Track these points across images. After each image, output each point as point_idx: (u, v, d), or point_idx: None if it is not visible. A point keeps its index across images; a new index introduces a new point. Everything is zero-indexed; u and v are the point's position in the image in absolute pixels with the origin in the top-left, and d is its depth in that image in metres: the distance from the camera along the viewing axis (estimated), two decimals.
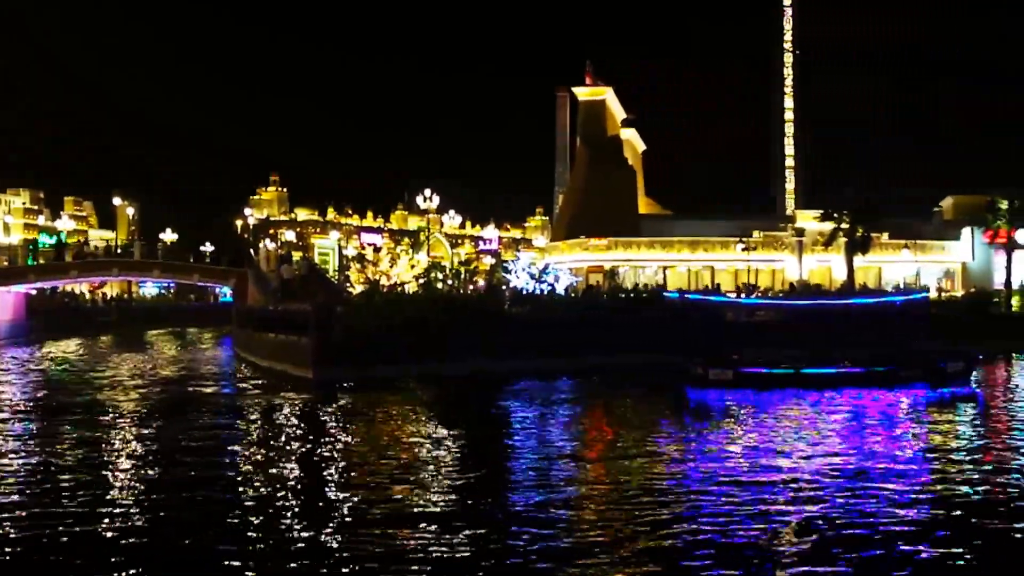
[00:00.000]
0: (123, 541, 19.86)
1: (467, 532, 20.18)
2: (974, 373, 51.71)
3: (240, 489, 24.79)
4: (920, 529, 20.46)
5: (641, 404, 42.71)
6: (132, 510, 22.46)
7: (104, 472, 26.81)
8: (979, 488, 24.75)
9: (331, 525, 21.02)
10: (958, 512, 21.95)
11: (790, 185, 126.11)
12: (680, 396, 46.00)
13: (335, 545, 19.44)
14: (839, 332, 58.96)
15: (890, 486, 24.55)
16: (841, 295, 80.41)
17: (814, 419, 37.38)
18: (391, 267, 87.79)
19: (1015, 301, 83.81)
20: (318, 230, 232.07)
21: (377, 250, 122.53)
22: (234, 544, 19.50)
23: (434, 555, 18.59)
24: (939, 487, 24.78)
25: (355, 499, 23.55)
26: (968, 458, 29.09)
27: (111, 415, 39.39)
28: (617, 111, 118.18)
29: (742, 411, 40.00)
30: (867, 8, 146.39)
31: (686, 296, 67.67)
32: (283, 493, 24.56)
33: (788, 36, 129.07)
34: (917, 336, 58.91)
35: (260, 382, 53.36)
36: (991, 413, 40.70)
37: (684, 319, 63.16)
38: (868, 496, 23.41)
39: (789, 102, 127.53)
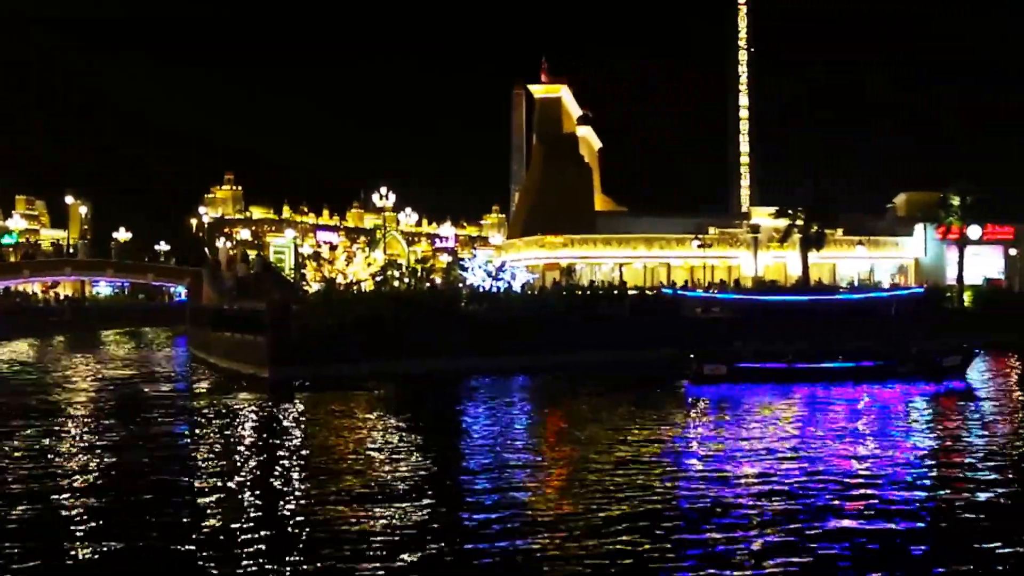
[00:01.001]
0: (76, 542, 19.56)
1: (425, 529, 20.18)
2: (972, 368, 51.74)
3: (196, 490, 24.49)
4: (906, 525, 20.40)
5: (605, 400, 42.55)
6: (85, 511, 22.10)
7: (55, 475, 26.32)
8: (968, 483, 24.85)
9: (288, 524, 20.91)
10: (947, 507, 22.06)
11: (745, 182, 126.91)
12: (665, 390, 46.33)
13: (292, 543, 19.33)
14: (824, 328, 59.17)
15: (873, 479, 24.72)
16: (832, 291, 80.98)
17: (802, 414, 37.94)
18: (347, 265, 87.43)
19: (967, 296, 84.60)
20: (273, 228, 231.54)
21: (333, 248, 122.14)
22: (189, 545, 19.28)
23: (392, 552, 18.52)
24: (927, 481, 24.94)
25: (313, 497, 23.40)
26: (958, 453, 29.21)
27: (63, 417, 38.89)
28: (573, 108, 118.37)
29: (734, 405, 40.46)
30: (821, 7, 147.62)
31: (677, 292, 67.56)
32: (239, 492, 24.28)
33: (743, 34, 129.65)
34: (914, 332, 59.21)
35: (215, 381, 53.08)
36: (986, 407, 40.68)
37: (644, 316, 63.48)
38: (855, 489, 23.51)
39: (744, 99, 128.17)
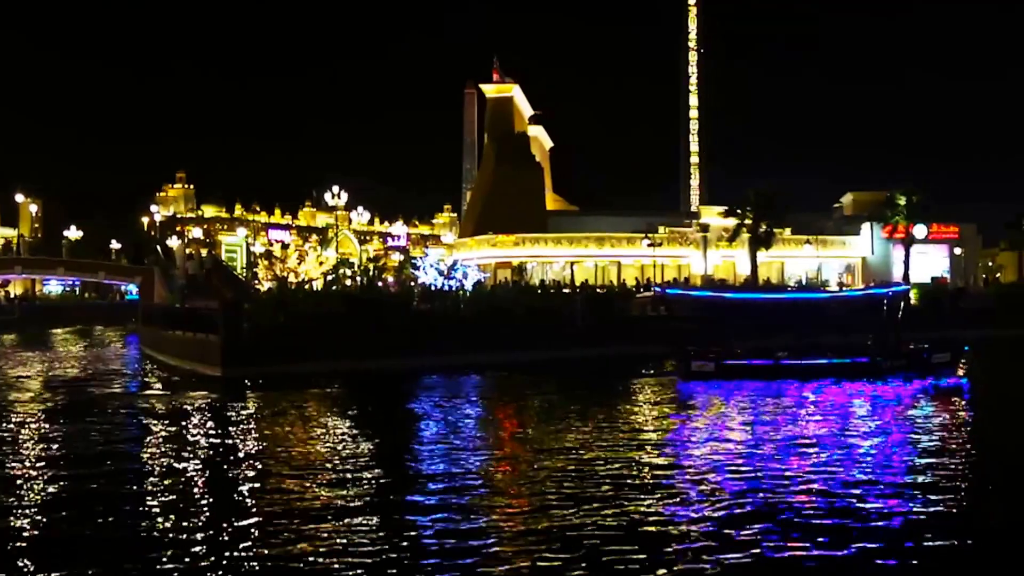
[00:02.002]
0: (22, 542, 19.51)
1: (378, 528, 20.28)
2: (961, 364, 51.95)
3: (147, 490, 24.40)
4: (885, 521, 20.38)
5: (558, 397, 43.07)
6: (33, 511, 22.11)
7: (2, 476, 26.09)
8: (950, 478, 25.00)
9: (239, 522, 20.89)
10: (927, 502, 22.21)
11: (695, 182, 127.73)
12: (613, 386, 46.73)
13: (242, 542, 19.34)
14: (802, 325, 59.65)
15: (853, 473, 25.06)
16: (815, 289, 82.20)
17: (784, 410, 38.04)
18: (299, 264, 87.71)
19: (913, 294, 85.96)
20: (225, 227, 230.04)
21: (285, 247, 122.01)
22: (140, 546, 19.16)
23: (343, 550, 18.63)
24: (908, 478, 24.89)
25: (265, 497, 23.40)
26: (942, 449, 29.31)
27: (11, 416, 38.54)
28: (524, 108, 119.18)
29: (716, 401, 40.89)
30: (769, 9, 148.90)
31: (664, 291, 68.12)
32: (189, 492, 24.28)
33: (692, 35, 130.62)
34: (901, 328, 59.72)
35: (167, 380, 52.83)
36: (975, 404, 41.19)
37: (599, 315, 64.15)
38: (835, 484, 23.73)
39: (694, 100, 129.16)
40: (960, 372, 50.81)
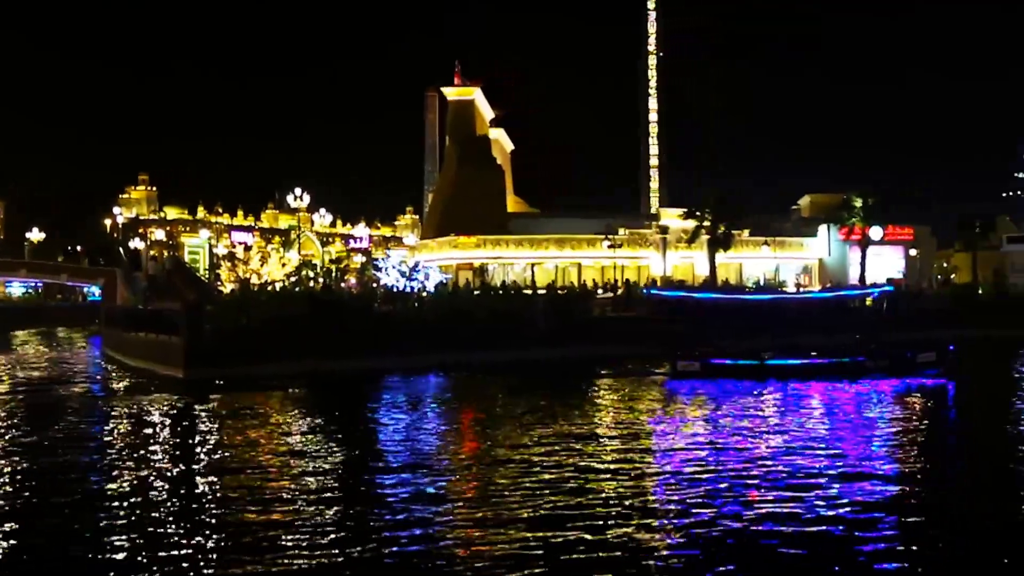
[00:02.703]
0: None
1: (342, 528, 20.51)
2: (947, 364, 51.35)
3: (110, 492, 24.36)
4: (852, 525, 20.31)
5: (520, 398, 43.36)
6: None
7: None
8: (927, 476, 25.57)
9: (202, 524, 21.05)
10: (901, 500, 22.63)
11: (655, 184, 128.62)
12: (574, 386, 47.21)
13: (205, 543, 19.45)
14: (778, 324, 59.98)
15: (827, 472, 25.42)
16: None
17: (761, 408, 38.72)
18: (262, 265, 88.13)
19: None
20: (188, 229, 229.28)
21: (248, 249, 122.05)
22: (104, 550, 19.11)
23: (306, 551, 18.83)
24: (883, 477, 25.13)
25: (227, 497, 23.56)
26: (923, 449, 29.78)
27: None
28: (486, 111, 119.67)
29: (697, 401, 41.49)
30: (731, 11, 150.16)
31: (651, 292, 68.24)
32: (152, 494, 24.23)
33: (652, 38, 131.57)
34: (886, 328, 59.77)
35: (130, 382, 52.92)
36: (960, 404, 41.49)
37: (561, 316, 64.78)
38: (804, 487, 23.76)
39: (654, 103, 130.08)
40: (946, 372, 50.38)
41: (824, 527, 20.10)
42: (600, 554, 18.37)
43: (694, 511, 21.48)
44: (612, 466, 26.85)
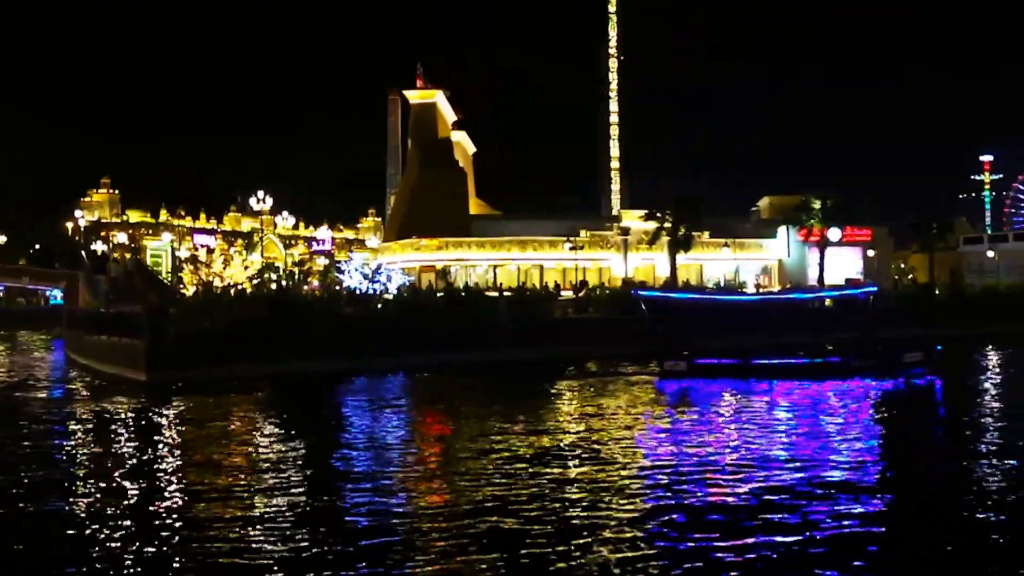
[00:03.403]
0: None
1: (305, 529, 20.62)
2: (934, 363, 51.69)
3: (71, 496, 24.40)
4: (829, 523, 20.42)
5: (482, 399, 44.23)
6: None
7: None
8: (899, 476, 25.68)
9: (166, 526, 21.14)
10: (882, 500, 22.74)
11: (616, 186, 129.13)
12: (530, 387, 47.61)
13: (170, 545, 19.59)
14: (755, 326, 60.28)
15: (796, 474, 25.21)
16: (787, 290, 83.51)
17: (742, 409, 38.74)
18: (224, 268, 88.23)
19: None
20: (151, 232, 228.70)
21: (210, 251, 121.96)
22: (65, 554, 19.10)
23: (273, 553, 18.96)
24: (855, 477, 25.03)
25: (191, 501, 23.65)
26: (903, 449, 30.01)
27: None
28: (448, 113, 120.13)
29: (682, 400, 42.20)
30: (692, 16, 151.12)
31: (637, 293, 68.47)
32: (115, 498, 24.11)
33: (613, 41, 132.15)
34: (875, 327, 60.24)
35: (93, 386, 52.70)
36: (946, 404, 41.38)
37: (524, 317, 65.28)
38: (775, 484, 24.01)
39: (615, 105, 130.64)
40: (933, 370, 50.70)
41: (813, 525, 20.38)
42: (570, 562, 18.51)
43: (680, 510, 21.84)
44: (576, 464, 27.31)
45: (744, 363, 50.04)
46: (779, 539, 19.25)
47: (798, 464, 26.45)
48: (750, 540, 19.23)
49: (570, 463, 27.47)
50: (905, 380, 47.55)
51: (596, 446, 30.24)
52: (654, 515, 21.25)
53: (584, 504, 22.45)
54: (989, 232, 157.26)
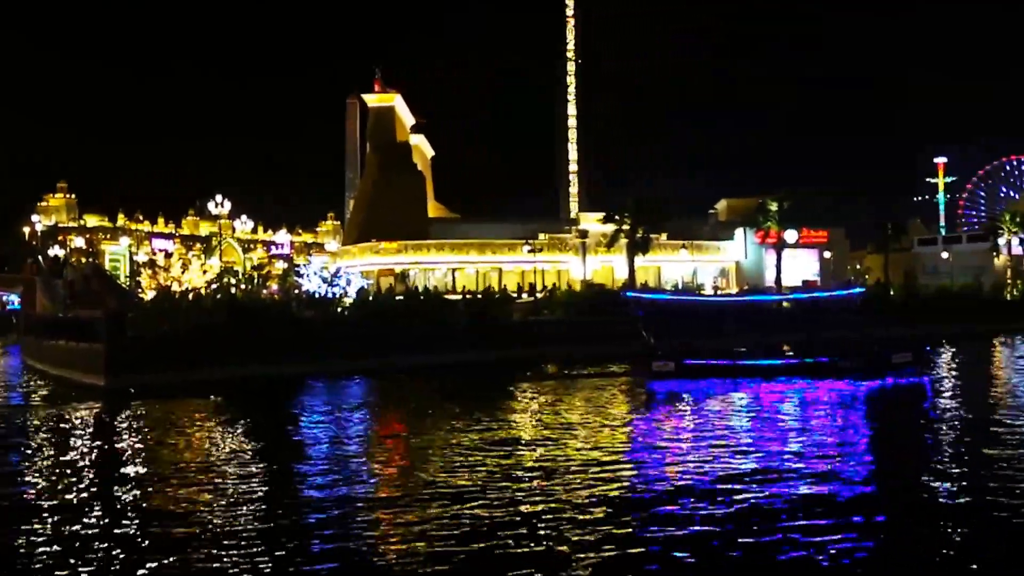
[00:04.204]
0: None
1: (262, 537, 20.55)
2: (924, 364, 51.88)
3: (28, 503, 24.39)
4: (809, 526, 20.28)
5: (437, 401, 44.36)
6: None
7: None
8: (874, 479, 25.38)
9: (125, 531, 21.22)
10: (857, 502, 22.40)
11: (574, 189, 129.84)
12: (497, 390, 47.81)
13: (130, 554, 19.55)
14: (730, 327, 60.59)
15: (768, 477, 25.13)
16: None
17: (723, 410, 38.87)
18: (183, 273, 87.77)
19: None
20: (109, 236, 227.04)
21: (169, 256, 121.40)
22: (23, 561, 19.23)
23: (230, 558, 19.01)
24: (829, 481, 24.69)
25: (149, 506, 23.71)
26: (907, 444, 30.33)
27: None
28: (406, 117, 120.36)
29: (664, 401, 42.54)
30: (649, 21, 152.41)
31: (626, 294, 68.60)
32: (74, 504, 24.14)
33: (571, 45, 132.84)
34: (860, 328, 60.68)
35: (51, 391, 52.56)
36: (935, 405, 40.47)
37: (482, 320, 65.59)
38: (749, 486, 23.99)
39: (572, 109, 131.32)
40: (922, 371, 50.74)
41: (800, 524, 20.49)
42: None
43: (668, 508, 22.10)
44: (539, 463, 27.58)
45: (732, 363, 50.32)
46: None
47: (773, 477, 25.92)
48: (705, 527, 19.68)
49: (526, 454, 27.72)
50: (895, 381, 47.61)
51: (552, 444, 30.51)
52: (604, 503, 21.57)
53: (539, 502, 22.71)
54: (943, 234, 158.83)
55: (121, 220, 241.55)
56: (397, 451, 31.72)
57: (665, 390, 45.86)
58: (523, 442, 31.58)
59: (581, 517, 21.23)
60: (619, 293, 69.98)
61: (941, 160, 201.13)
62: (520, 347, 62.99)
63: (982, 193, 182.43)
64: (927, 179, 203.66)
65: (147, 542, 20.42)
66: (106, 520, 22.48)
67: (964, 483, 24.17)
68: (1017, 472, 25.21)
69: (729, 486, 23.74)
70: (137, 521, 22.26)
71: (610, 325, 66.51)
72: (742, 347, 52.74)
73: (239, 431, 36.55)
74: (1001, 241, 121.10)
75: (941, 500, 22.83)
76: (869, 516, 20.88)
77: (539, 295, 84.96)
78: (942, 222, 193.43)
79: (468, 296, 76.86)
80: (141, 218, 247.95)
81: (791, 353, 51.77)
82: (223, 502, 23.74)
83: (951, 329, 78.18)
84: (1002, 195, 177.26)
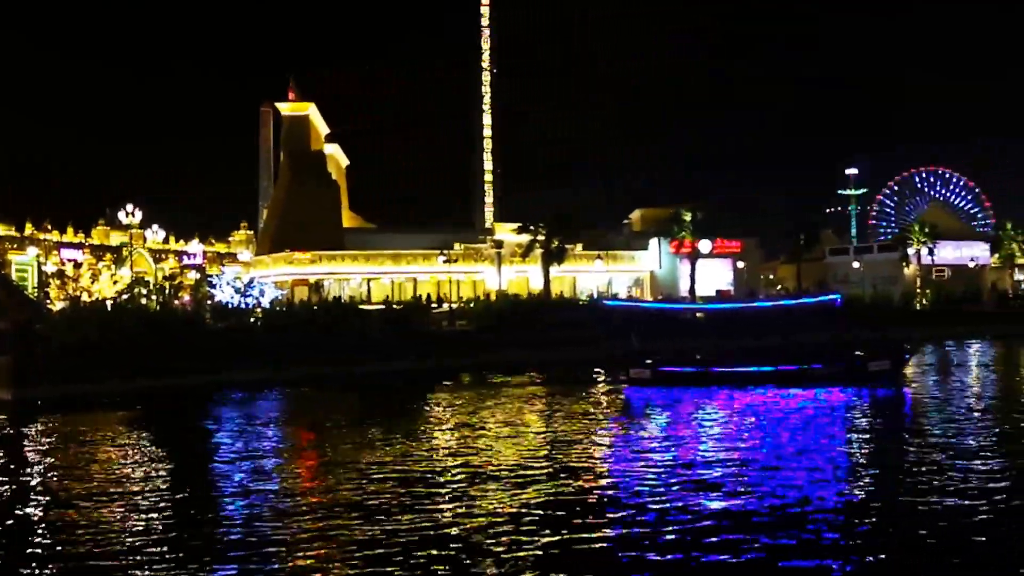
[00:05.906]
0: None
1: (172, 554, 20.18)
2: (904, 372, 51.75)
3: None
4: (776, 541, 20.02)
5: (352, 409, 44.00)
6: None
7: None
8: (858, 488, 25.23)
9: (35, 548, 20.85)
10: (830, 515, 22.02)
11: (489, 199, 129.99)
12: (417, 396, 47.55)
13: (40, 567, 19.34)
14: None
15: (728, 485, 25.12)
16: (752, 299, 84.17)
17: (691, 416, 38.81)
18: (93, 283, 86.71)
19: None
20: (15, 246, 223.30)
21: (78, 266, 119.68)
22: None
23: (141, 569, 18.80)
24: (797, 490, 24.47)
25: (58, 523, 23.16)
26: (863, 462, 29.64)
27: None
28: (321, 126, 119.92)
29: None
30: (565, 29, 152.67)
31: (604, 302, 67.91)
32: None
33: (485, 56, 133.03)
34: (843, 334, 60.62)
35: None
36: (914, 415, 39.83)
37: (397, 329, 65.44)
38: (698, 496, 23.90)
39: (488, 119, 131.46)
40: (900, 379, 50.59)
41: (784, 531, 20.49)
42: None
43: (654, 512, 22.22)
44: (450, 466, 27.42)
45: (707, 371, 50.19)
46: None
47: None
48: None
49: (442, 465, 27.54)
50: (871, 390, 46.93)
51: (473, 453, 30.37)
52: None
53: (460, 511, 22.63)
54: (855, 244, 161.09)
55: (28, 229, 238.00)
56: (312, 463, 31.34)
57: (639, 397, 45.82)
58: (442, 451, 31.46)
59: (504, 529, 21.09)
60: (540, 302, 70.20)
61: (852, 171, 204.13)
62: (439, 356, 62.93)
63: (891, 204, 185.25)
64: (839, 191, 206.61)
65: (52, 560, 19.92)
66: (4, 539, 22.01)
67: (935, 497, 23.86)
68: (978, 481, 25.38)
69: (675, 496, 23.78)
70: (41, 539, 21.77)
71: (530, 334, 66.64)
72: (725, 353, 52.98)
73: (149, 444, 35.87)
74: (911, 251, 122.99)
75: (913, 515, 22.30)
76: (840, 530, 20.73)
77: (455, 305, 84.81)
78: (854, 232, 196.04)
79: (388, 305, 76.47)
80: (49, 227, 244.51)
81: (766, 360, 51.31)
82: (133, 517, 23.29)
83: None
84: (910, 207, 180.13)
